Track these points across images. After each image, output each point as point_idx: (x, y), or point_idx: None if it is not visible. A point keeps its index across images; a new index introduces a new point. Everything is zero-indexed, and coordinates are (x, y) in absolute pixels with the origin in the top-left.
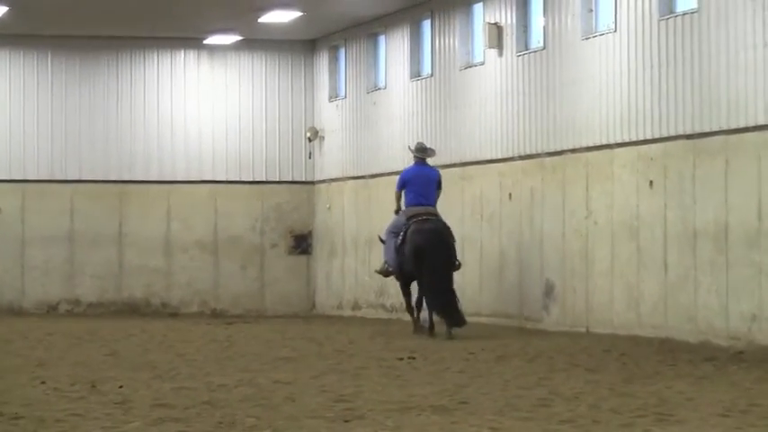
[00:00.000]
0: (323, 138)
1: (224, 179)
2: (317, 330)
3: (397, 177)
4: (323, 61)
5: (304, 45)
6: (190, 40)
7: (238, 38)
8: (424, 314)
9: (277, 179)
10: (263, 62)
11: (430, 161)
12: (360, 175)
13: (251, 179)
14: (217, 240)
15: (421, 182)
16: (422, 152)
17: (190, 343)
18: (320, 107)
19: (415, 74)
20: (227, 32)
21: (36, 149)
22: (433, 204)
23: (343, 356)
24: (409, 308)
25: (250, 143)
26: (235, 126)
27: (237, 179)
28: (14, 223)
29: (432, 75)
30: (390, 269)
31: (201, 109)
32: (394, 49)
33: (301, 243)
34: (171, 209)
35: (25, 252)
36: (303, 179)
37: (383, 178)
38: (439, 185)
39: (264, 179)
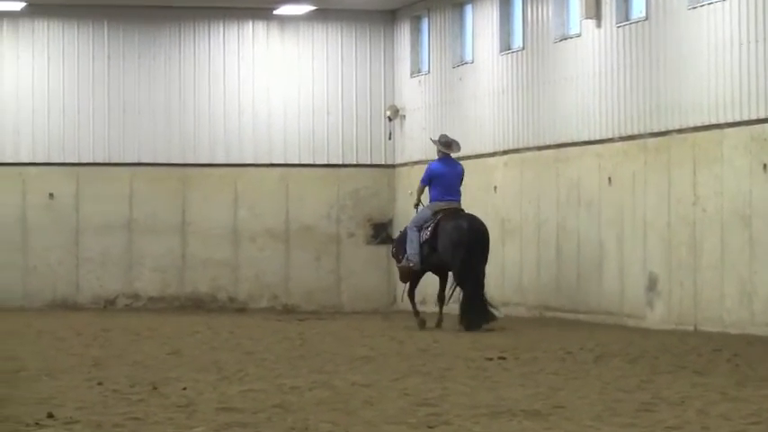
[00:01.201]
0: (404, 117)
1: (296, 162)
2: (399, 328)
3: (424, 169)
4: (404, 33)
5: (383, 15)
6: (259, 11)
7: (311, 8)
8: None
9: (354, 162)
10: (339, 34)
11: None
12: None
13: (325, 162)
14: (288, 229)
15: (448, 177)
16: (447, 147)
17: (259, 341)
18: (401, 83)
19: (505, 47)
20: (299, 2)
21: (91, 130)
22: (459, 200)
23: (427, 356)
24: (414, 304)
25: (324, 123)
26: (308, 104)
27: (311, 162)
28: (68, 211)
29: (523, 48)
30: (412, 264)
31: (271, 85)
32: (482, 20)
33: (381, 232)
34: (238, 195)
35: (80, 242)
36: (383, 162)
37: (470, 161)
38: (462, 181)
39: (340, 162)
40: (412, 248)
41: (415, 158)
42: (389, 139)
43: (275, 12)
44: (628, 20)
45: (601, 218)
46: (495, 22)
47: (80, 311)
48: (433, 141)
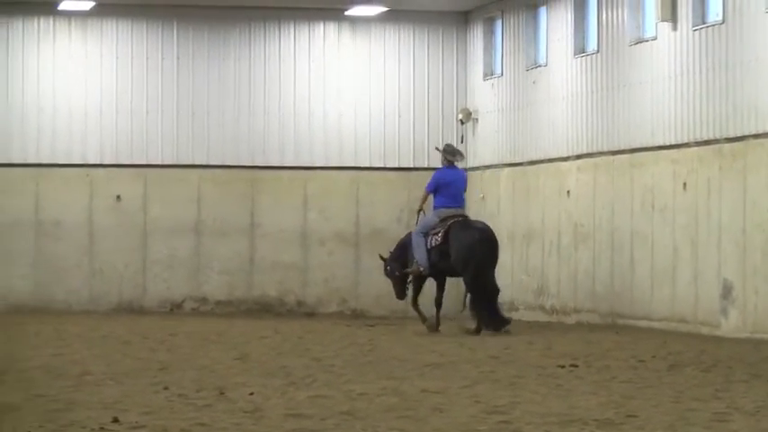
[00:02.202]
0: (476, 120)
1: (366, 165)
2: (469, 334)
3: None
4: (477, 35)
5: (456, 17)
6: (330, 11)
7: (383, 9)
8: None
9: (425, 165)
10: (411, 36)
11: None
12: (517, 161)
13: (396, 165)
14: (358, 233)
15: (454, 185)
16: (453, 155)
17: (327, 346)
18: (474, 86)
19: (580, 50)
20: (370, 2)
21: (159, 131)
22: (463, 207)
23: (498, 363)
24: (418, 310)
25: (396, 125)
26: (379, 106)
27: (381, 165)
28: (135, 213)
29: (598, 51)
30: (422, 269)
31: (342, 87)
32: (556, 22)
33: None
34: (308, 198)
35: (147, 245)
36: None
37: (543, 165)
38: (465, 188)
39: (411, 165)
40: (420, 254)
41: (488, 162)
42: (461, 142)
43: (347, 12)
44: (704, 23)
45: (675, 224)
46: (569, 24)
47: (146, 315)
48: (438, 150)
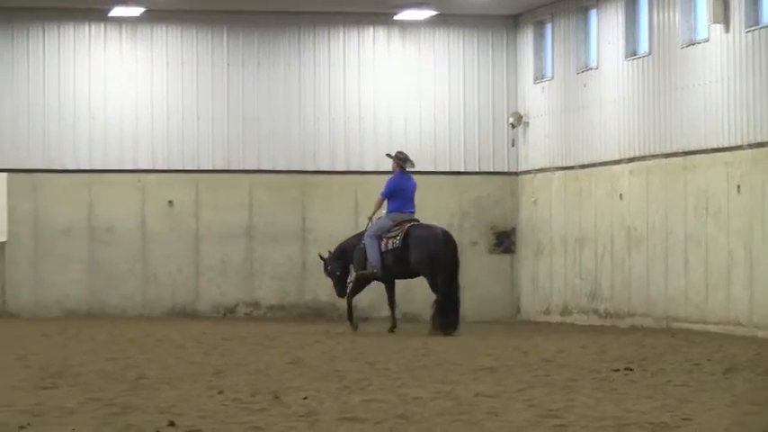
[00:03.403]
0: (527, 123)
1: (417, 170)
2: (522, 338)
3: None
4: (527, 38)
5: (506, 20)
6: (379, 16)
7: (433, 13)
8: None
9: (476, 170)
10: (461, 40)
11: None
12: (569, 165)
13: (448, 170)
14: None
15: (407, 190)
16: (405, 162)
17: (381, 350)
18: (524, 89)
19: (631, 52)
20: (420, 7)
21: (210, 137)
22: (414, 212)
23: (552, 367)
24: (351, 308)
25: (446, 130)
26: (429, 111)
27: (433, 170)
28: (187, 218)
29: (649, 53)
30: (375, 271)
31: (392, 92)
32: (607, 25)
33: (504, 241)
34: (359, 202)
35: (199, 250)
36: (505, 170)
37: (595, 169)
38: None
39: (463, 170)
40: (373, 256)
41: (539, 166)
42: (512, 146)
43: (396, 17)
44: (757, 24)
45: (729, 227)
46: (620, 27)
47: (200, 320)
48: (390, 156)
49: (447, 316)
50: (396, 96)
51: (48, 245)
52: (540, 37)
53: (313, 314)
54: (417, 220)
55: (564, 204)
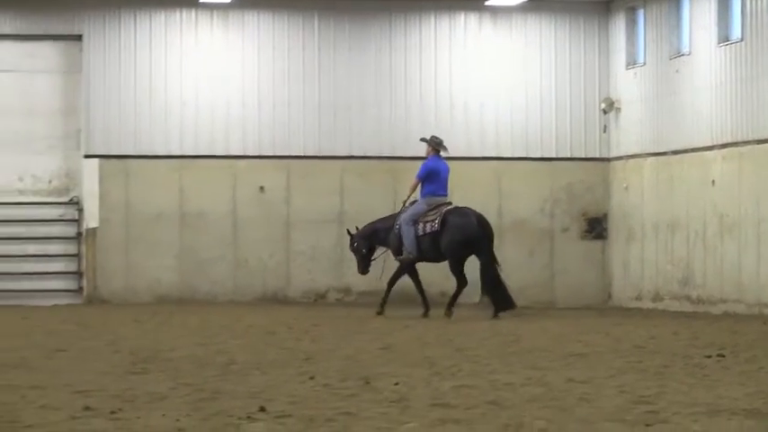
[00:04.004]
0: (619, 109)
1: (509, 156)
2: (614, 324)
3: (420, 165)
4: (619, 24)
5: (597, 6)
6: (470, 2)
7: None
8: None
9: (568, 156)
10: (552, 25)
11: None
12: (661, 151)
13: (539, 156)
14: (501, 223)
15: (442, 174)
16: (439, 145)
17: (471, 336)
18: (616, 75)
19: (723, 38)
20: None
21: (302, 123)
22: (448, 195)
23: (644, 353)
24: (422, 290)
25: (538, 115)
26: (521, 97)
27: (524, 156)
28: (279, 204)
29: (742, 39)
30: (412, 256)
31: (483, 77)
32: (699, 11)
33: (595, 227)
34: (450, 188)
35: (290, 236)
36: (597, 156)
37: (687, 155)
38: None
39: (554, 156)
40: (409, 242)
41: (631, 152)
42: (604, 132)
43: (488, 3)
44: None
45: None
46: (712, 12)
47: (290, 305)
48: (425, 140)
49: (502, 297)
50: (487, 82)
51: (139, 230)
52: (632, 22)
53: (402, 300)
54: (450, 203)
55: (656, 190)
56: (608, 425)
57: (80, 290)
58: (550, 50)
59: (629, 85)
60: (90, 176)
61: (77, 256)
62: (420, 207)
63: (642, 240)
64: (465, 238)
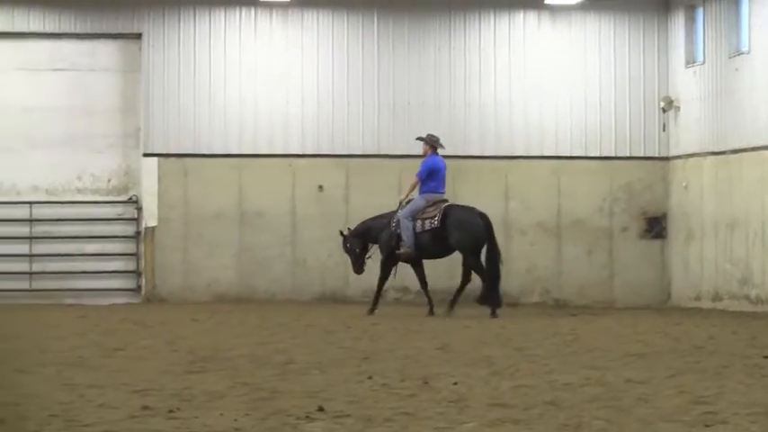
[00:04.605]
0: (678, 108)
1: (568, 154)
2: (673, 324)
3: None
4: (678, 22)
5: (657, 4)
6: (530, 1)
7: None
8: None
9: (627, 155)
10: (611, 24)
11: None
12: (720, 150)
13: (598, 155)
14: (560, 222)
15: (440, 171)
16: (437, 143)
17: (530, 336)
18: (675, 74)
19: None
20: None
21: (360, 121)
22: (445, 193)
23: (703, 354)
24: (380, 289)
25: (597, 114)
26: (580, 95)
27: (583, 155)
28: (337, 202)
29: None
30: (408, 251)
31: (542, 76)
32: (759, 9)
33: (655, 226)
34: (509, 187)
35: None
36: (656, 155)
37: (746, 154)
38: None
39: (613, 154)
40: (408, 237)
41: (690, 151)
42: (663, 131)
43: (547, 1)
44: None
45: None
46: None
47: (349, 305)
48: (422, 139)
49: (493, 293)
50: (546, 81)
51: (198, 229)
52: (691, 21)
53: (462, 299)
54: (447, 200)
55: (715, 189)
56: (666, 425)
57: (138, 289)
58: (609, 49)
59: (688, 84)
60: (149, 175)
61: (136, 255)
62: (419, 203)
63: (701, 240)
64: (471, 232)
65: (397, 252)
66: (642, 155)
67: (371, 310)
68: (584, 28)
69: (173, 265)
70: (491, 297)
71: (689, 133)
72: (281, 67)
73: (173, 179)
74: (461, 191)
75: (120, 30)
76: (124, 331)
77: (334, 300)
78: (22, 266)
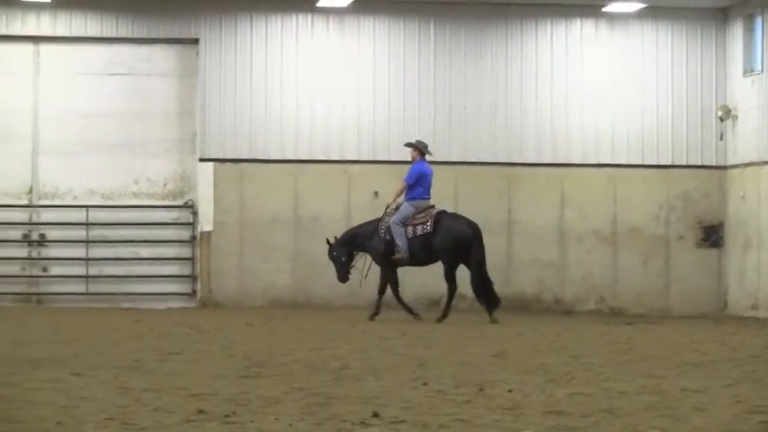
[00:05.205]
0: (736, 117)
1: (624, 163)
2: (729, 333)
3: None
4: (736, 31)
5: (715, 13)
6: (587, 8)
7: (642, 5)
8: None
9: (684, 163)
10: (669, 32)
11: None
12: None
13: (655, 163)
14: (616, 231)
15: (427, 178)
16: (425, 149)
17: (585, 344)
18: (733, 83)
19: None
20: None
21: (416, 128)
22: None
23: (759, 363)
24: (397, 294)
25: (654, 122)
26: (636, 103)
27: (639, 163)
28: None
29: None
30: (404, 256)
31: (600, 83)
32: None
33: (711, 235)
34: (565, 195)
35: None
36: (713, 163)
37: None
38: None
39: (670, 163)
40: (402, 243)
41: (748, 160)
42: (720, 139)
43: (604, 9)
44: None
45: None
46: None
47: (402, 311)
48: (410, 145)
49: (489, 297)
50: (603, 89)
51: (253, 234)
52: (749, 30)
53: (517, 307)
54: (434, 206)
55: None
56: None
57: (194, 293)
58: (667, 57)
59: (746, 93)
60: (205, 180)
61: (191, 259)
62: (408, 210)
63: (758, 249)
64: (458, 239)
65: (393, 257)
66: (699, 163)
67: (411, 313)
68: (641, 36)
69: (228, 269)
70: (493, 301)
71: (746, 142)
72: (338, 73)
73: (229, 184)
74: (516, 198)
75: (177, 35)
76: (180, 335)
77: (389, 306)
78: (79, 270)
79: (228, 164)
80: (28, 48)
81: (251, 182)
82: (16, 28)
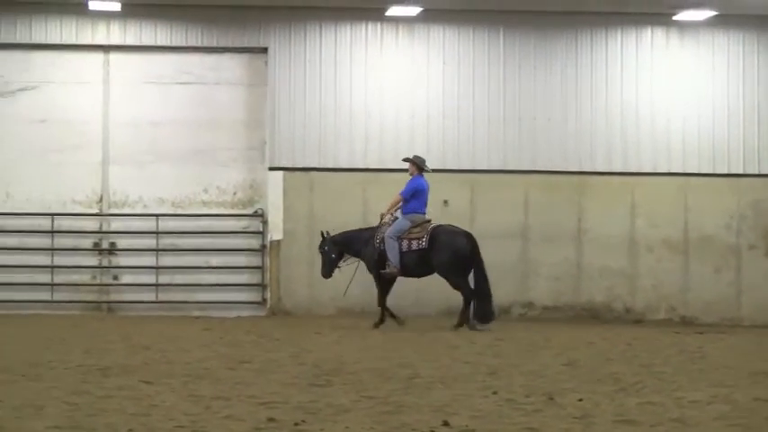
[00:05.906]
0: None
1: (695, 171)
2: None
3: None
4: None
5: None
6: (656, 16)
7: (712, 13)
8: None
9: (756, 172)
10: (741, 40)
11: None
12: None
13: (726, 172)
14: (687, 239)
15: (424, 192)
16: (423, 164)
17: (656, 353)
18: None
19: None
20: (699, 7)
21: (486, 137)
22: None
23: None
24: (386, 309)
25: (725, 131)
26: (708, 112)
27: (711, 171)
28: (463, 218)
29: None
30: (396, 269)
31: (670, 93)
32: None
33: None
34: (635, 203)
35: None
36: None
37: None
38: None
39: (741, 172)
40: (393, 256)
41: None
42: None
43: (675, 17)
44: None
45: None
46: None
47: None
48: (409, 160)
49: (484, 308)
50: (673, 97)
51: None
52: None
53: (587, 316)
54: (430, 221)
55: None
56: None
57: (264, 302)
58: (738, 66)
59: None
60: (274, 188)
61: (261, 268)
62: (404, 224)
63: None
64: (456, 253)
65: (381, 272)
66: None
67: (393, 317)
68: (712, 45)
69: (298, 278)
70: (485, 314)
71: None
72: (407, 83)
73: (298, 192)
74: (587, 206)
75: (246, 44)
76: (249, 344)
77: (439, 314)
78: (149, 278)
79: (298, 172)
80: (98, 57)
81: (320, 190)
82: (86, 37)
